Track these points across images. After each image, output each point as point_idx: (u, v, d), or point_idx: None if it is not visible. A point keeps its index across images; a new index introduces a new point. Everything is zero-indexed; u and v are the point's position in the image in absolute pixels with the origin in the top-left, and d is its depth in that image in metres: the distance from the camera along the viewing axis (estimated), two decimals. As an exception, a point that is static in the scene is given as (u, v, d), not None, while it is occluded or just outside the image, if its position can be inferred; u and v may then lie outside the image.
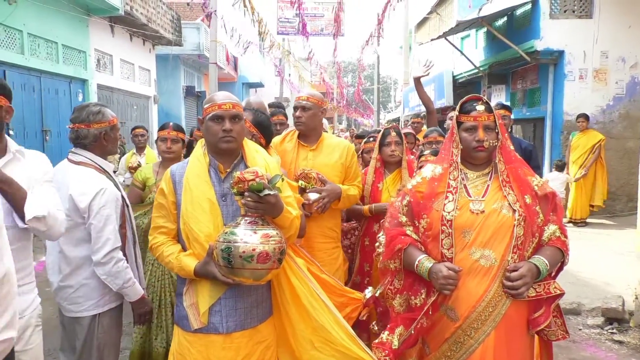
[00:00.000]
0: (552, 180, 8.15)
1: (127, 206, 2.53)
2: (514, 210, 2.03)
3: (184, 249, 2.12)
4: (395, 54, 26.84)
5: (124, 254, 2.42)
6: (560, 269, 2.19)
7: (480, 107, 2.14)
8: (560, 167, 8.27)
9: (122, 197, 2.47)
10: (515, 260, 2.03)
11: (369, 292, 2.39)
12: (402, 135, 3.36)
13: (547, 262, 2.03)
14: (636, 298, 4.08)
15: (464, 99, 2.22)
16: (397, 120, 23.17)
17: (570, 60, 8.72)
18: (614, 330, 4.13)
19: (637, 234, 4.15)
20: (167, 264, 2.13)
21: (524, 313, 2.07)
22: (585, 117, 8.22)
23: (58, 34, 9.85)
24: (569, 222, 8.23)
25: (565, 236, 2.14)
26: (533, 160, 4.32)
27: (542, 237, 2.11)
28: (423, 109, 15.13)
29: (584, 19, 8.72)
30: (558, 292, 2.07)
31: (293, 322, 2.15)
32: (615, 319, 4.24)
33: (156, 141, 3.43)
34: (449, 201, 2.10)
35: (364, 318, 2.47)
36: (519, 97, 10.32)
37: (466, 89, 13.06)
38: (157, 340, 3.11)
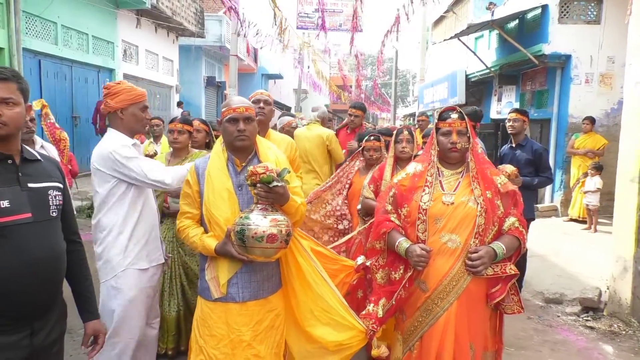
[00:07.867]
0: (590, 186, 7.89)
1: None
2: (478, 203, 2.46)
3: (206, 231, 2.44)
4: (414, 48, 27.00)
5: None
6: (518, 254, 2.59)
7: (454, 115, 2.57)
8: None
9: None
10: (477, 244, 2.42)
11: (360, 259, 2.78)
12: (414, 134, 3.54)
13: (504, 247, 2.43)
14: (607, 289, 4.46)
15: (442, 109, 2.66)
16: (413, 115, 23.48)
17: (577, 64, 8.98)
18: (589, 318, 4.49)
19: (614, 235, 4.50)
20: (192, 244, 2.46)
21: (483, 288, 2.48)
22: (591, 119, 8.32)
23: (89, 25, 10.37)
24: (576, 220, 8.43)
25: (524, 227, 2.53)
26: (544, 162, 4.62)
27: (502, 227, 2.51)
28: (435, 106, 15.41)
29: (592, 25, 8.97)
30: (513, 272, 2.46)
31: (297, 294, 2.49)
32: (591, 308, 4.61)
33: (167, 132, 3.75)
34: (426, 194, 2.53)
35: (354, 282, 2.86)
36: (527, 98, 10.61)
37: (478, 88, 13.32)
38: (169, 306, 3.50)
